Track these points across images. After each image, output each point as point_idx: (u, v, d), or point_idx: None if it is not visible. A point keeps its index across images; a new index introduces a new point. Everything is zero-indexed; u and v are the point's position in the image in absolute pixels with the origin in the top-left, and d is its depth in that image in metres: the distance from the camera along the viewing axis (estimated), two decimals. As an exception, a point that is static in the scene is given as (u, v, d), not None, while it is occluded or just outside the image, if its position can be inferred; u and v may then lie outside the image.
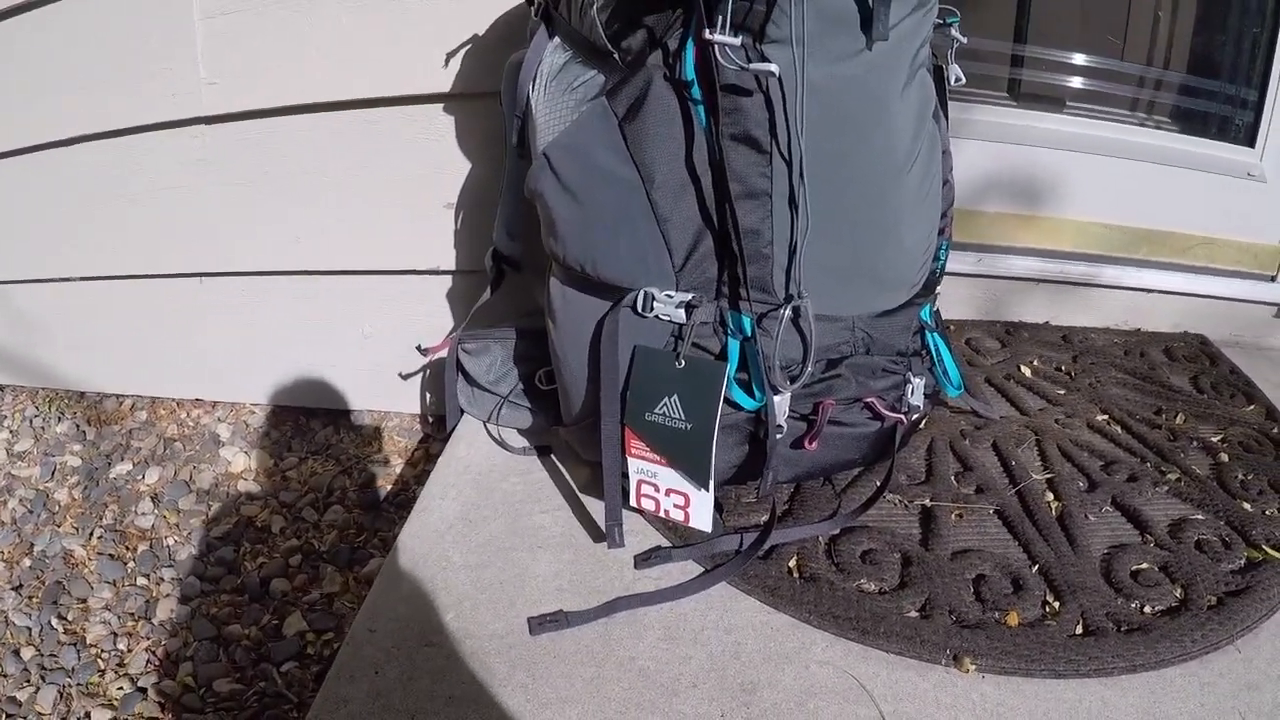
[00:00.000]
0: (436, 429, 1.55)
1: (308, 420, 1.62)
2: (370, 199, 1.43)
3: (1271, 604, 0.88)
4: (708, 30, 0.74)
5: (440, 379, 1.49)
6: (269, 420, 1.63)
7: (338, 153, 1.41)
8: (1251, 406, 1.29)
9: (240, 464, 1.55)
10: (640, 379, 0.84)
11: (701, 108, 0.80)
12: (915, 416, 0.96)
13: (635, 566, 0.90)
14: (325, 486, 1.49)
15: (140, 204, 1.53)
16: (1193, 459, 1.13)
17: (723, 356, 0.84)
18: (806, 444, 0.89)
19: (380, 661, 0.80)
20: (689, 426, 0.82)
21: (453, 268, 1.44)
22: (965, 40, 0.94)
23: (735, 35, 0.75)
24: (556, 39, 0.93)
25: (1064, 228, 1.45)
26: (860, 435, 0.93)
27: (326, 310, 1.53)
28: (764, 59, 0.77)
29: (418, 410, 1.57)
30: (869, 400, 0.89)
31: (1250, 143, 1.44)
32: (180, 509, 1.48)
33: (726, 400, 0.83)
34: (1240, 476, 1.10)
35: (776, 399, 0.84)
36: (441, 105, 1.35)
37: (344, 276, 1.49)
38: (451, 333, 1.44)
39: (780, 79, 0.76)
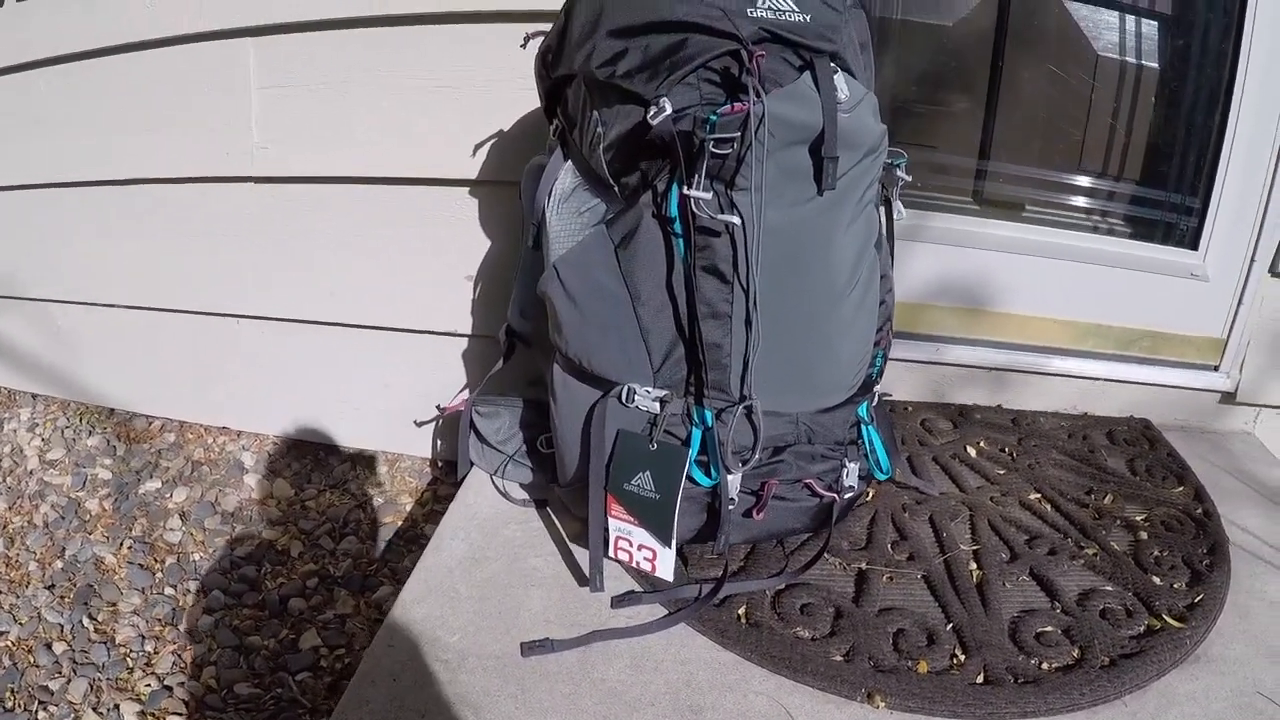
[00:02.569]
0: (444, 473, 1.82)
1: (327, 456, 1.88)
2: (399, 264, 1.71)
3: (1162, 666, 1.07)
4: (686, 186, 1.02)
5: (450, 429, 1.77)
6: (291, 452, 1.90)
7: (373, 220, 1.70)
8: (1181, 488, 1.51)
9: (263, 490, 1.81)
10: (621, 455, 1.10)
11: (681, 241, 1.07)
12: (849, 495, 1.21)
13: (611, 606, 1.15)
14: (342, 518, 1.74)
15: (190, 247, 1.83)
16: (1113, 536, 1.35)
17: (687, 443, 1.10)
18: (755, 514, 1.14)
19: (397, 670, 1.05)
20: (658, 497, 1.09)
21: (468, 332, 1.72)
22: (909, 178, 1.21)
23: (709, 188, 1.03)
24: (569, 163, 1.20)
25: (1014, 322, 1.71)
26: (801, 509, 1.18)
27: (352, 359, 1.81)
28: (733, 204, 1.04)
29: (428, 455, 1.84)
30: (808, 481, 1.16)
31: (1194, 246, 1.70)
32: (206, 527, 1.73)
33: (688, 478, 1.09)
34: (1156, 553, 1.31)
35: (729, 478, 1.10)
36: (467, 189, 1.64)
37: (371, 330, 1.77)
38: (461, 391, 1.72)
39: (743, 224, 1.04)
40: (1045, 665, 1.08)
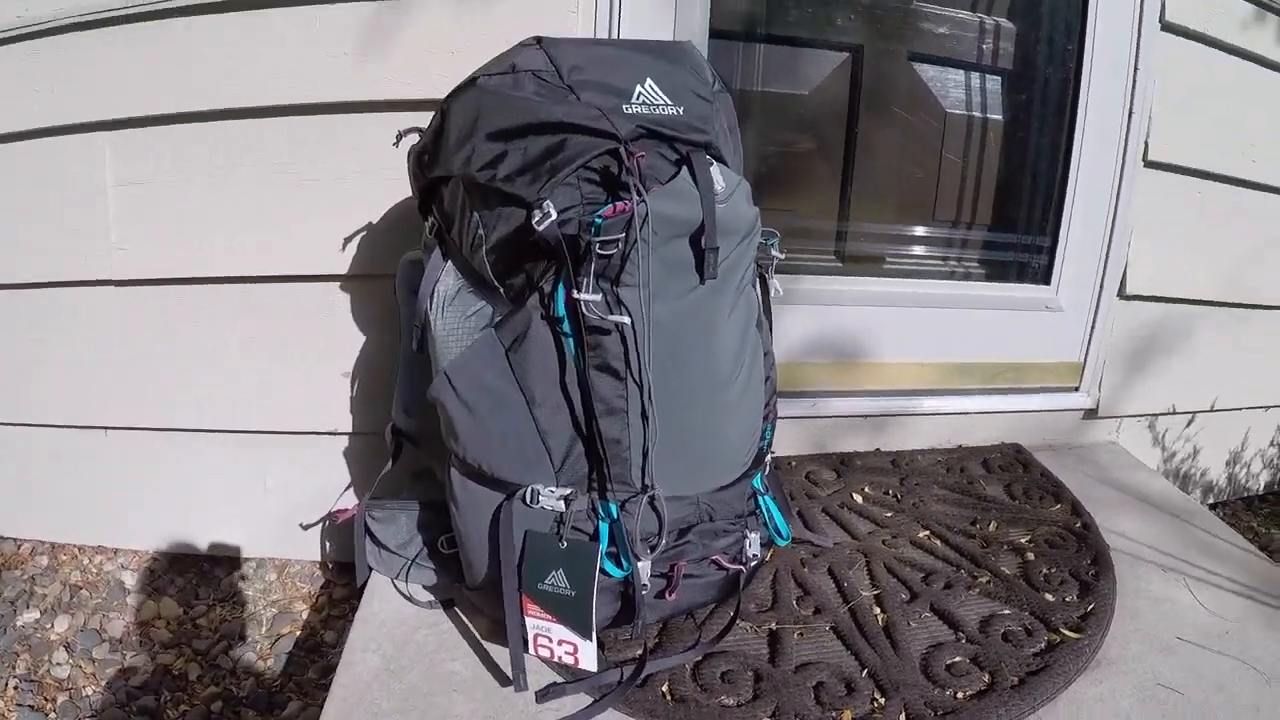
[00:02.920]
0: (336, 575, 1.76)
1: (212, 567, 1.78)
2: (272, 364, 1.65)
3: (1068, 677, 1.16)
4: (575, 290, 1.04)
5: (340, 530, 1.73)
6: (174, 567, 1.78)
7: (242, 319, 1.63)
8: (1059, 505, 1.63)
9: (149, 611, 1.70)
10: (532, 556, 1.10)
11: (571, 340, 1.08)
12: (753, 564, 1.26)
13: (537, 701, 1.12)
14: (236, 633, 1.65)
15: (49, 355, 1.71)
16: (1003, 561, 1.44)
17: (595, 537, 1.11)
18: (667, 595, 1.16)
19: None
20: (574, 593, 1.09)
21: (349, 430, 1.68)
22: (783, 257, 1.27)
23: (596, 288, 1.05)
24: (450, 263, 1.19)
25: (884, 370, 1.81)
26: (710, 583, 1.21)
27: (230, 464, 1.73)
28: (620, 301, 1.06)
29: (318, 558, 1.78)
30: (714, 557, 1.19)
31: (1047, 280, 1.86)
32: (95, 657, 1.60)
33: (601, 571, 1.09)
34: (1044, 571, 1.41)
35: (640, 565, 1.12)
36: (338, 284, 1.61)
37: (247, 435, 1.70)
38: (346, 491, 1.70)
39: (632, 322, 1.07)
40: (960, 694, 1.14)
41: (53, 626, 1.68)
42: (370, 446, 1.68)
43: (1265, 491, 2.34)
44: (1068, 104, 1.77)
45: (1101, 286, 1.84)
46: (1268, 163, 1.94)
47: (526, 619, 1.14)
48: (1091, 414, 1.92)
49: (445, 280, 1.19)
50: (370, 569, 1.40)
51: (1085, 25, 1.71)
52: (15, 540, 1.88)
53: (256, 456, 1.72)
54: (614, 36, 1.52)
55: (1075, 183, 1.77)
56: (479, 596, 1.23)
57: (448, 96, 1.15)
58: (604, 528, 1.12)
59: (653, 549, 1.13)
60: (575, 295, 1.03)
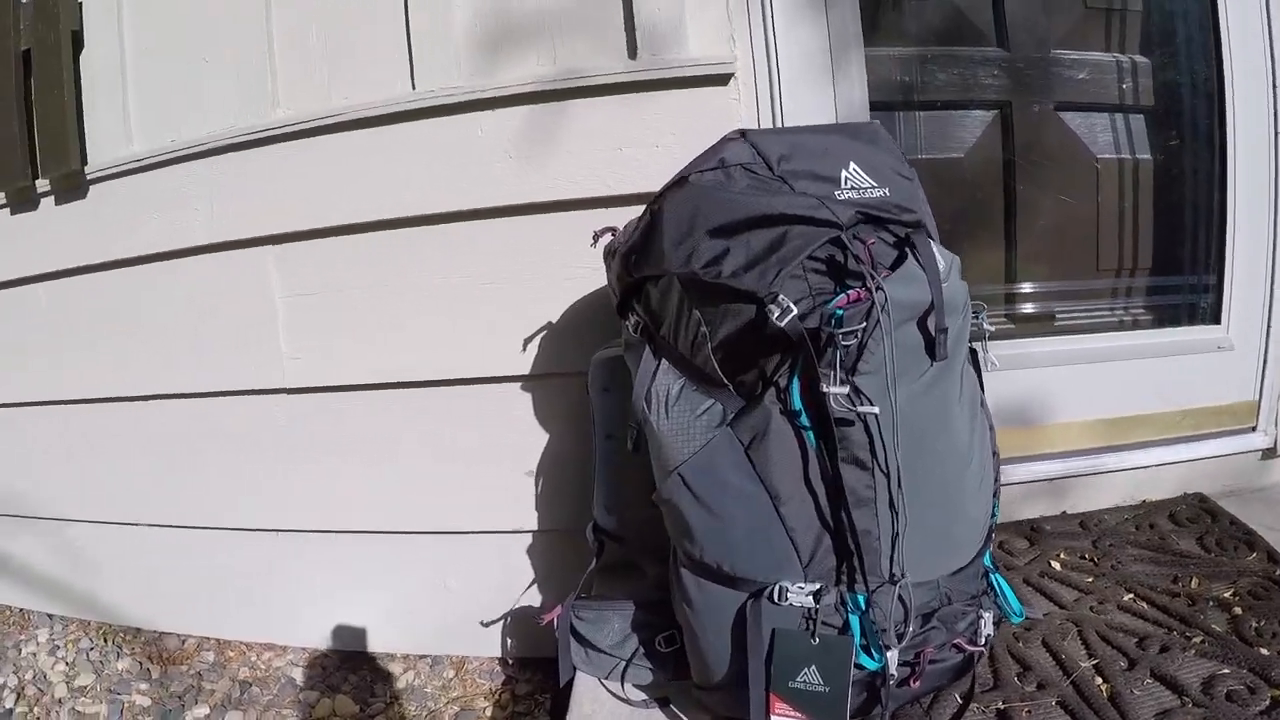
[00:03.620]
0: (518, 670, 1.76)
1: (387, 664, 1.79)
2: (454, 464, 1.68)
3: None
4: (822, 384, 1.04)
5: (522, 626, 1.73)
6: (347, 664, 1.80)
7: (421, 423, 1.68)
8: (1254, 554, 1.58)
9: (324, 709, 1.70)
10: (781, 655, 1.08)
11: (811, 433, 1.08)
12: (989, 643, 1.23)
13: None
14: None
15: (222, 460, 1.77)
16: (1211, 618, 1.39)
17: (844, 630, 1.09)
18: (911, 683, 1.14)
19: None
20: (827, 690, 1.07)
21: (534, 528, 1.70)
22: (993, 329, 1.28)
23: (841, 381, 1.05)
24: (664, 362, 1.20)
25: (1063, 431, 1.78)
26: (948, 667, 1.19)
27: (408, 563, 1.75)
28: (858, 390, 1.06)
29: (498, 654, 1.78)
30: (956, 641, 1.17)
31: (1216, 320, 1.82)
32: None
33: (855, 665, 1.08)
34: (1254, 625, 1.36)
35: (890, 655, 1.09)
36: (519, 384, 1.63)
37: (426, 536, 1.72)
38: (529, 587, 1.72)
39: (877, 413, 1.06)
40: None
41: (224, 721, 1.70)
42: (553, 544, 1.70)
43: None
44: (1215, 135, 1.75)
45: (1270, 319, 1.79)
46: None
47: (773, 717, 1.12)
48: (1270, 453, 1.86)
49: (663, 380, 1.20)
50: (574, 669, 1.40)
51: (1220, 49, 1.70)
52: (180, 636, 1.91)
53: (436, 556, 1.74)
54: (779, 118, 1.56)
55: (1234, 215, 1.74)
56: (713, 696, 1.21)
57: (657, 196, 1.18)
58: (854, 620, 1.10)
59: (900, 637, 1.11)
60: (825, 389, 1.03)
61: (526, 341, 1.61)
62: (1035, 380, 1.74)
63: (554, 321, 1.60)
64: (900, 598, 1.11)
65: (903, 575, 1.10)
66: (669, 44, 1.50)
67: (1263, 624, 1.37)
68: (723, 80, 1.51)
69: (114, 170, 1.76)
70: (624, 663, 1.35)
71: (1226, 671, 1.27)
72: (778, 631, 1.09)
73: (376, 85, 1.59)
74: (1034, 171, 1.79)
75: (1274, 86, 1.73)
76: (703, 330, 1.13)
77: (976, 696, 1.27)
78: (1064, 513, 1.81)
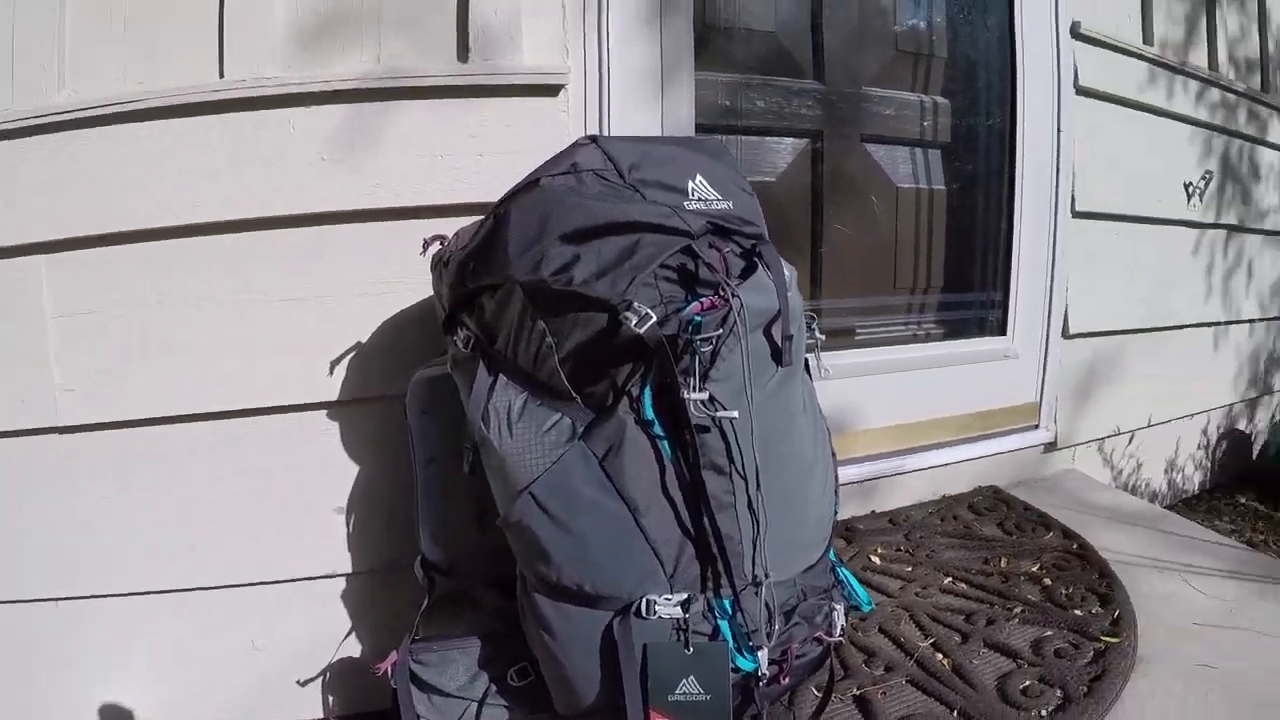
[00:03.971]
0: (341, 732, 1.61)
1: None
2: (254, 507, 1.51)
3: (1125, 676, 1.30)
4: (682, 390, 1.02)
5: (343, 679, 1.58)
6: None
7: (217, 460, 1.49)
8: (1051, 533, 1.78)
9: None
10: (657, 669, 1.06)
11: (666, 442, 1.07)
12: (844, 633, 1.26)
13: None
14: None
15: None
16: (1025, 590, 1.56)
17: (715, 636, 1.08)
18: (780, 680, 1.16)
19: None
20: (709, 697, 1.06)
21: (348, 570, 1.55)
22: (825, 338, 1.33)
23: (698, 388, 1.05)
24: (502, 377, 1.14)
25: (869, 436, 1.91)
26: (811, 660, 1.22)
27: (212, 625, 1.55)
28: (712, 398, 1.06)
29: (320, 714, 1.60)
30: (817, 635, 1.19)
31: (1003, 332, 2.05)
32: None
33: (732, 667, 1.07)
34: (1064, 591, 1.54)
35: (760, 654, 1.09)
36: (325, 412, 1.50)
37: (228, 590, 1.53)
38: (347, 636, 1.58)
39: (735, 418, 1.06)
40: (1043, 712, 1.24)
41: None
42: (371, 585, 1.56)
43: (1199, 491, 2.62)
44: (1004, 169, 1.98)
45: (1048, 330, 2.03)
46: (1170, 199, 2.25)
47: (652, 734, 1.09)
48: (1051, 447, 2.08)
49: (502, 395, 1.14)
50: (418, 718, 1.30)
51: (1014, 96, 1.94)
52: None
53: (241, 612, 1.55)
54: (606, 133, 1.56)
55: (1019, 238, 1.97)
56: (586, 724, 1.17)
57: (504, 199, 1.13)
58: (724, 625, 1.09)
59: (769, 636, 1.11)
60: (685, 396, 1.02)
61: (334, 364, 1.48)
62: (840, 390, 1.85)
63: (363, 342, 1.49)
64: (762, 598, 1.12)
65: (766, 576, 1.11)
66: (502, 50, 1.46)
67: (1071, 590, 1.56)
68: (553, 91, 1.49)
69: None
70: (475, 704, 1.26)
71: (1050, 633, 1.43)
72: (650, 646, 1.07)
73: (181, 70, 1.42)
74: (840, 197, 1.91)
75: (1058, 130, 1.99)
76: (548, 341, 1.09)
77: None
78: (874, 511, 1.94)
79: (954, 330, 2.07)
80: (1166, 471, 2.50)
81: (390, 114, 1.45)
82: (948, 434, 1.99)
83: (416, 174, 1.46)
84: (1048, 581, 1.58)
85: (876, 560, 1.71)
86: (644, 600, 1.07)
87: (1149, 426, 2.36)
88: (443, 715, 1.28)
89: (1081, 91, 1.99)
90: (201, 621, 1.55)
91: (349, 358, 1.49)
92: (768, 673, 1.12)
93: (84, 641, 1.54)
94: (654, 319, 1.02)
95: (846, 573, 1.33)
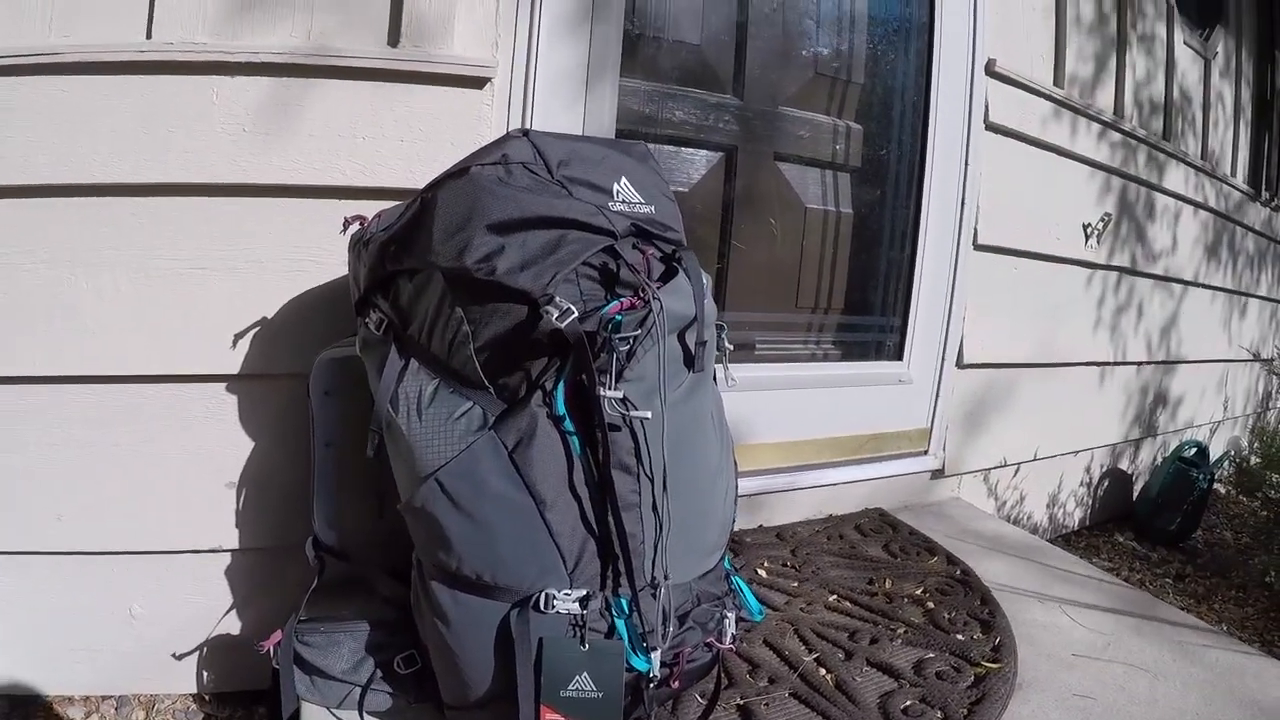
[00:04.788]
0: (216, 707, 1.56)
1: (63, 708, 1.50)
2: (144, 475, 1.47)
3: (1003, 701, 1.34)
4: (599, 387, 1.04)
5: (221, 656, 1.55)
6: (15, 710, 1.48)
7: (108, 425, 1.44)
8: (935, 558, 1.84)
9: None
10: (551, 664, 1.06)
11: (576, 438, 1.08)
12: (735, 641, 1.29)
13: None
14: None
15: None
16: (908, 612, 1.60)
17: (611, 634, 1.09)
18: (671, 684, 1.18)
19: None
20: (600, 695, 1.07)
21: (234, 546, 1.52)
22: (733, 348, 1.37)
23: (615, 385, 1.07)
24: (414, 362, 1.14)
25: (762, 451, 1.95)
26: (701, 666, 1.23)
27: (86, 591, 1.49)
28: (625, 397, 1.09)
29: (194, 690, 1.56)
30: (709, 640, 1.22)
31: (899, 357, 2.11)
32: None
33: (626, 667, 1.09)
34: (947, 616, 1.59)
35: (653, 655, 1.12)
36: (225, 385, 1.47)
37: (111, 556, 1.48)
38: (228, 612, 1.55)
39: (647, 418, 1.08)
40: None
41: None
42: (257, 564, 1.52)
43: (1079, 527, 2.77)
44: (912, 197, 2.06)
45: (943, 358, 2.12)
46: (1069, 238, 2.37)
47: (542, 729, 1.10)
48: (938, 474, 2.18)
49: (413, 381, 1.14)
50: (298, 699, 1.26)
51: (926, 127, 2.03)
52: None
53: (120, 580, 1.49)
54: (527, 126, 1.55)
55: (920, 267, 2.05)
56: (472, 715, 1.15)
57: (432, 184, 1.13)
58: (620, 624, 1.11)
59: (663, 638, 1.14)
60: (600, 393, 1.04)
61: (238, 337, 1.45)
62: (736, 403, 1.85)
63: (270, 317, 1.46)
64: (658, 599, 1.14)
65: (665, 578, 1.13)
66: (434, 38, 1.46)
67: (954, 615, 1.61)
68: (480, 84, 1.49)
69: None
70: (359, 689, 1.24)
71: (932, 655, 1.48)
72: (546, 640, 1.07)
73: (107, 27, 1.36)
74: (749, 212, 1.96)
75: (965, 163, 2.08)
76: (465, 329, 1.09)
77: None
78: (761, 526, 1.98)
79: (851, 352, 2.14)
80: (1049, 506, 2.64)
81: (316, 91, 1.42)
82: (839, 454, 2.05)
83: (338, 154, 1.44)
84: (930, 605, 1.64)
85: (763, 574, 1.75)
86: (543, 594, 1.08)
87: (1034, 460, 2.49)
88: (324, 697, 1.26)
89: (991, 128, 2.09)
90: (79, 586, 1.50)
91: (254, 332, 1.46)
92: (659, 675, 1.14)
93: None
94: (575, 314, 1.03)
95: (740, 581, 1.37)
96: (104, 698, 1.55)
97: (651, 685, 1.14)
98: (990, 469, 2.37)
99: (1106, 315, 2.66)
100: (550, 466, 1.09)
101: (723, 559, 1.31)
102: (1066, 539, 2.72)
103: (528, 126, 1.57)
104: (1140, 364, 2.92)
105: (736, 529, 1.89)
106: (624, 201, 1.16)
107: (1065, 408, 2.57)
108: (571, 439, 1.09)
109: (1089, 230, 2.44)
